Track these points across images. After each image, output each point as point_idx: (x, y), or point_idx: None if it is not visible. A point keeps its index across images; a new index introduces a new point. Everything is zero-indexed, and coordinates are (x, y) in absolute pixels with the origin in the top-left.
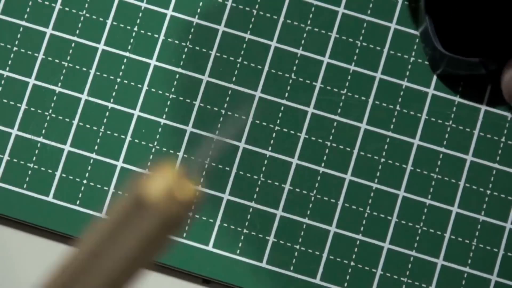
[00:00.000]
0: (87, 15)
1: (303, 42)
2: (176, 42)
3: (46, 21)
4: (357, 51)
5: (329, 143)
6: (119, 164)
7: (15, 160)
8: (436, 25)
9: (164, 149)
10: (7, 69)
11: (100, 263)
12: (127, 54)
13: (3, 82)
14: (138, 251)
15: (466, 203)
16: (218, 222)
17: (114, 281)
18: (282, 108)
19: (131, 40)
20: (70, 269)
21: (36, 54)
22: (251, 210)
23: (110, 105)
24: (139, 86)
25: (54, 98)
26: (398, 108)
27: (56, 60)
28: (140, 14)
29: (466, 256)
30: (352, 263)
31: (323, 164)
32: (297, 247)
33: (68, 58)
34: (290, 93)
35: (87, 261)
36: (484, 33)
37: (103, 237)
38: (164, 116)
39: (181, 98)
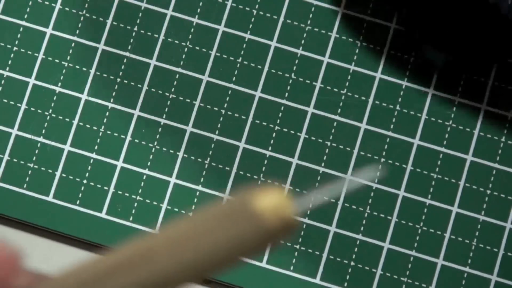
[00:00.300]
0: (87, 15)
1: (303, 42)
2: (176, 42)
3: (46, 21)
4: (357, 51)
5: (329, 143)
6: (119, 164)
7: (15, 160)
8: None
9: (164, 149)
10: (7, 69)
11: (182, 250)
12: (127, 54)
13: (3, 82)
14: (224, 250)
15: (466, 203)
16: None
17: (192, 272)
18: (282, 108)
19: (131, 40)
20: (140, 250)
21: (36, 54)
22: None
23: (110, 105)
24: (139, 86)
25: (54, 98)
26: (398, 108)
27: (56, 60)
28: (140, 14)
29: (466, 256)
30: (352, 263)
31: (323, 164)
32: (297, 247)
33: (68, 58)
34: (290, 93)
35: (170, 243)
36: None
37: (194, 225)
38: (164, 116)
39: (181, 98)
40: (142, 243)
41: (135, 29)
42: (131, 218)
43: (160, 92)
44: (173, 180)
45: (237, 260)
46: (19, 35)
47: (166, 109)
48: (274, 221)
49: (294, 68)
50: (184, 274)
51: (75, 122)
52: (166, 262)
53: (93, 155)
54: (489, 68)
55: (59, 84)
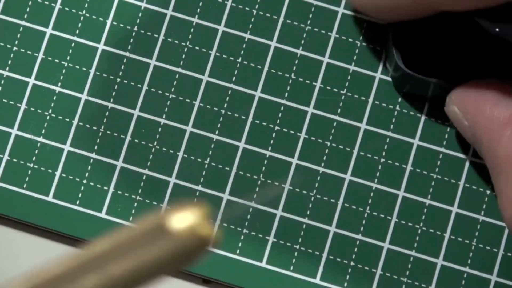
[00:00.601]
0: (87, 15)
1: (303, 42)
2: (176, 42)
3: (46, 21)
4: (357, 51)
5: (329, 143)
6: (119, 164)
7: (15, 160)
8: (400, 47)
9: (164, 149)
10: (7, 69)
11: (100, 270)
12: (126, 54)
13: (3, 82)
14: (142, 269)
15: (465, 203)
16: (218, 222)
17: None
18: (282, 108)
19: (131, 40)
20: (64, 269)
21: (36, 54)
22: (251, 210)
23: (110, 105)
24: (139, 86)
25: (54, 98)
26: (398, 108)
27: (56, 60)
28: (140, 14)
29: (465, 256)
30: (352, 263)
31: (323, 164)
32: (297, 247)
33: (68, 58)
34: (290, 93)
35: (85, 265)
36: (444, 56)
37: (111, 247)
38: (164, 116)
39: (181, 98)
40: (68, 261)
41: (135, 29)
42: (130, 218)
43: (160, 92)
44: (172, 180)
45: (158, 276)
46: (18, 35)
47: (166, 109)
48: (189, 239)
49: (294, 68)
50: None
51: (75, 122)
52: (91, 279)
53: (93, 155)
54: None
55: (59, 84)
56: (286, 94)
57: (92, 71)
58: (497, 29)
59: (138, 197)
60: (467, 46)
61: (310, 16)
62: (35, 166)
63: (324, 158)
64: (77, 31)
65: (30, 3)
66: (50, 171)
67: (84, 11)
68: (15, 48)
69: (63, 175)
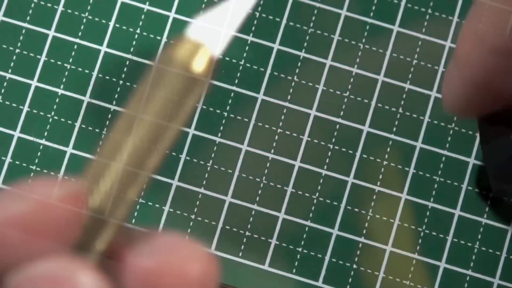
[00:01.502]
0: (90, 17)
1: (305, 44)
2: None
3: (49, 23)
4: (359, 53)
5: (331, 146)
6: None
7: (17, 162)
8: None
9: (166, 151)
10: (10, 71)
11: (140, 122)
12: (129, 56)
13: (5, 84)
14: (170, 106)
15: (468, 206)
16: (220, 225)
17: (153, 137)
18: (285, 110)
19: (133, 42)
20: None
21: (38, 56)
22: (253, 212)
23: (112, 107)
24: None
25: (57, 100)
26: (400, 110)
27: (59, 62)
28: (143, 16)
29: (468, 259)
30: (355, 266)
31: (325, 167)
32: (300, 249)
33: (71, 60)
34: (292, 95)
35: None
36: None
37: (137, 101)
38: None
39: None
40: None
41: (138, 31)
42: (133, 221)
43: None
44: (175, 182)
45: (184, 112)
46: (21, 37)
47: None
48: (199, 65)
49: (297, 70)
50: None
51: (77, 124)
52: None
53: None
54: None
55: (62, 86)
56: (289, 97)
57: (94, 74)
58: None
59: (140, 200)
60: None
61: (313, 18)
62: (38, 169)
63: (327, 160)
64: (80, 33)
65: (32, 5)
66: (52, 173)
67: (86, 13)
68: (17, 50)
69: (66, 177)
